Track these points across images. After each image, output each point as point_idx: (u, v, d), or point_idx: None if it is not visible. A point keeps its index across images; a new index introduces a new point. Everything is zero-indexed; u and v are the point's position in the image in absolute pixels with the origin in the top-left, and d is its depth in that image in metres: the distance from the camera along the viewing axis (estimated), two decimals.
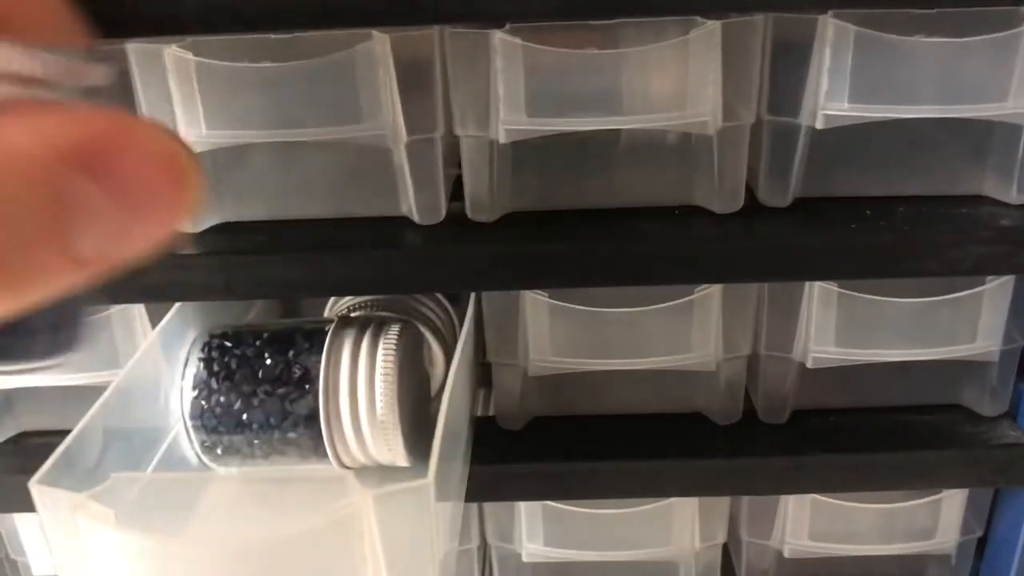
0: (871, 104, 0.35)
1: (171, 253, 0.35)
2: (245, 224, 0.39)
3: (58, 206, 0.14)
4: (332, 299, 0.45)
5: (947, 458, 0.43)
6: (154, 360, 0.37)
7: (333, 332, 0.35)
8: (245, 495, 0.20)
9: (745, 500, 0.47)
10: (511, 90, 0.35)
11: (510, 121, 0.35)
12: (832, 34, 0.34)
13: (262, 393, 0.35)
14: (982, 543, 0.48)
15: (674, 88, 0.35)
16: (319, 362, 0.35)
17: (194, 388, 0.35)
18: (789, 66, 0.36)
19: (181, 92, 0.35)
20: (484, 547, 0.48)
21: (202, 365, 0.35)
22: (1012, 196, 0.38)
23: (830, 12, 0.34)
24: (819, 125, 0.36)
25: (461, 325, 0.40)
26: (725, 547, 0.49)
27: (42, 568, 0.48)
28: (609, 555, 0.47)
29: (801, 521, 0.46)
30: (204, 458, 0.35)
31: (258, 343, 0.36)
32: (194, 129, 0.35)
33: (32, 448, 0.45)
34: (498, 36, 0.34)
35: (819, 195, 0.39)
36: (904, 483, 0.44)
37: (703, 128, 0.36)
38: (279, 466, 0.34)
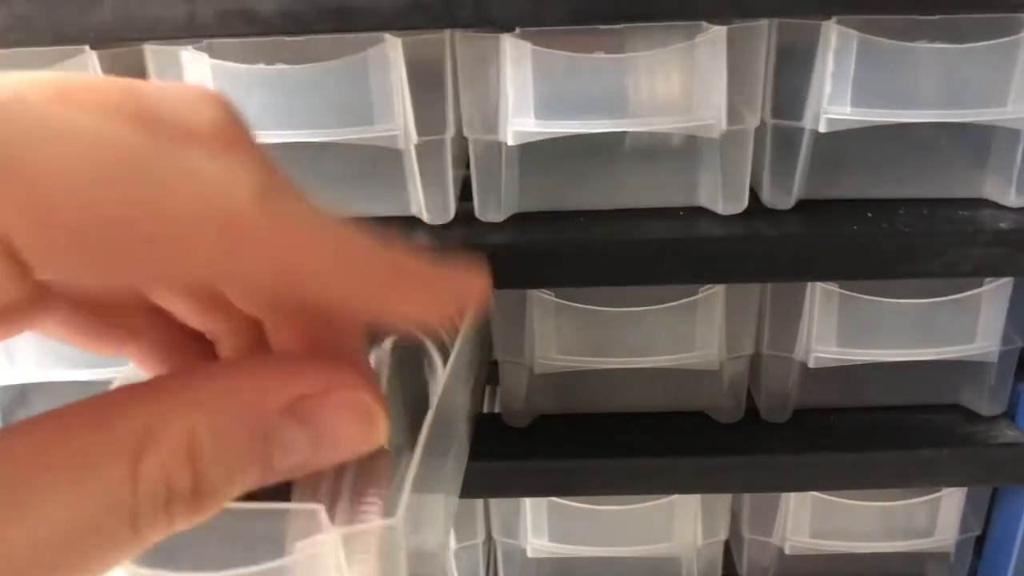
0: (873, 108, 0.36)
1: None
2: None
3: (265, 443, 0.19)
4: None
5: (946, 457, 0.43)
6: None
7: None
8: (206, 528, 0.20)
9: (747, 497, 0.48)
10: (520, 93, 0.36)
11: (519, 123, 0.36)
12: (835, 40, 0.35)
13: None
14: (980, 542, 0.48)
15: (680, 92, 0.36)
16: None
17: None
18: (793, 71, 0.36)
19: None
20: (489, 542, 0.49)
21: None
22: (1011, 199, 0.38)
23: (833, 18, 0.35)
24: (822, 129, 0.36)
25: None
26: (727, 544, 0.50)
27: None
28: (613, 551, 0.47)
29: (802, 518, 0.47)
30: None
31: None
32: None
33: None
34: (508, 40, 0.35)
35: (822, 197, 0.39)
36: (903, 481, 0.45)
37: (708, 131, 0.37)
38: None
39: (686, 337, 0.42)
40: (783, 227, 0.38)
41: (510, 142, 0.37)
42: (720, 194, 0.38)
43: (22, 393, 0.46)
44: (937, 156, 0.41)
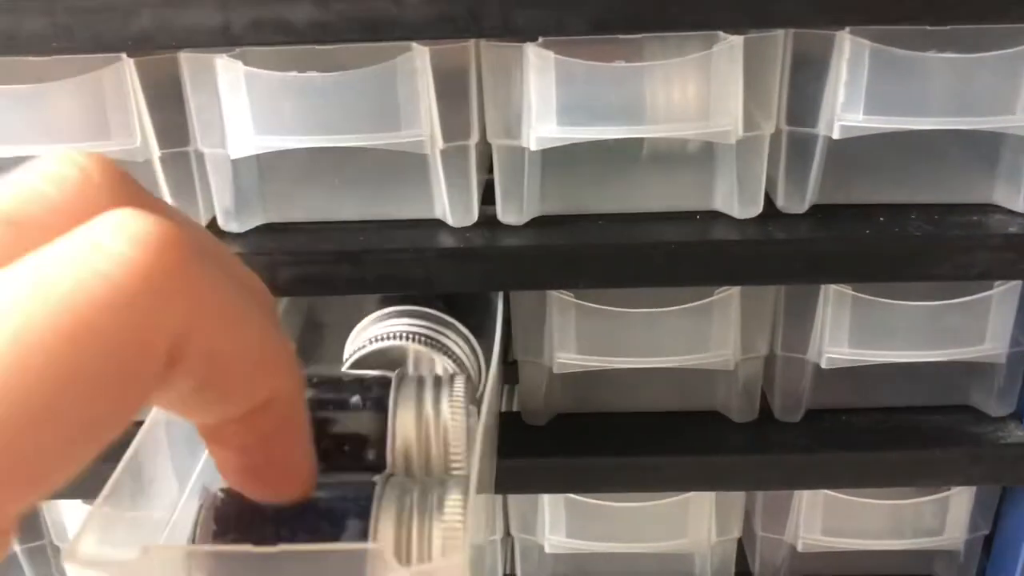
0: (885, 116, 0.37)
1: None
2: (287, 225, 0.40)
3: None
4: (355, 331, 0.42)
5: (955, 456, 0.44)
6: None
7: (397, 380, 0.31)
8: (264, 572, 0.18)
9: (760, 496, 0.49)
10: (543, 100, 0.37)
11: (541, 129, 0.37)
12: (848, 49, 0.36)
13: None
14: (989, 540, 0.49)
15: (697, 99, 0.37)
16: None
17: None
18: (807, 79, 0.37)
19: (230, 99, 0.37)
20: (508, 538, 0.50)
21: None
22: (1020, 205, 0.39)
23: (847, 29, 0.36)
24: (835, 135, 0.37)
25: (479, 358, 0.41)
26: (740, 541, 0.50)
27: None
28: (628, 547, 0.48)
29: (814, 516, 0.47)
30: None
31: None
32: (242, 134, 0.37)
33: None
34: (532, 49, 0.36)
35: (835, 202, 0.40)
36: (913, 480, 0.45)
37: (725, 138, 0.38)
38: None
39: (702, 338, 0.43)
40: (797, 231, 0.39)
41: (532, 147, 0.38)
42: (736, 199, 0.39)
43: None
44: (947, 162, 0.41)
